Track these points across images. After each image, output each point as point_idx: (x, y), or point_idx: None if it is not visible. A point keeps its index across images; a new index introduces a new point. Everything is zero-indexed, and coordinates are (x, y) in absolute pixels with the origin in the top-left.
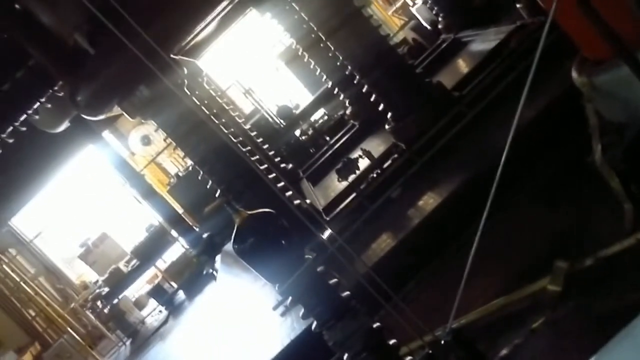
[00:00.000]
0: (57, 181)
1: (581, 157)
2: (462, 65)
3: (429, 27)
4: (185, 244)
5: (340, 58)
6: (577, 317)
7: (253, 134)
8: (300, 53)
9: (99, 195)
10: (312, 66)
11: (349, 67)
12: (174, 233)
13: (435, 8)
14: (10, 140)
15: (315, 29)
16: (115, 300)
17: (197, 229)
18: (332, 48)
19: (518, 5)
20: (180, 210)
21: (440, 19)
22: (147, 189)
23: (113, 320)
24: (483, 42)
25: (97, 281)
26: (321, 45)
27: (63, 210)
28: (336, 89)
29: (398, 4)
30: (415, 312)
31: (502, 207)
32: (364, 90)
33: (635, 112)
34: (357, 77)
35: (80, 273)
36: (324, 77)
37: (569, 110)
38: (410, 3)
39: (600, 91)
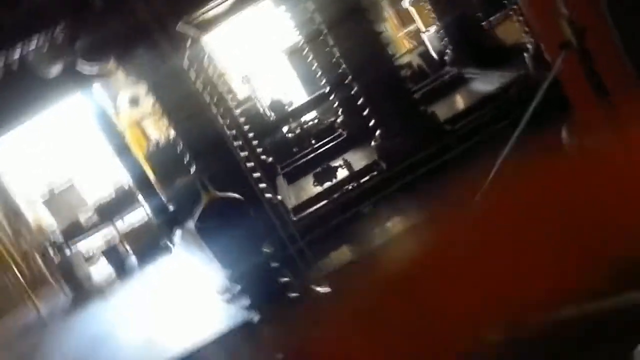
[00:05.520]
0: (36, 122)
1: None
2: (460, 101)
3: (435, 57)
4: (149, 212)
5: (345, 66)
6: None
7: (241, 120)
8: (304, 53)
9: (75, 144)
10: (314, 67)
11: (350, 76)
12: (140, 198)
13: (446, 39)
14: None
15: (325, 31)
16: (67, 252)
17: (164, 200)
18: (338, 54)
19: (525, 55)
20: (152, 178)
21: (448, 51)
22: (123, 147)
23: (60, 270)
24: (484, 83)
25: (54, 229)
26: (326, 49)
27: (36, 152)
28: (332, 96)
29: (411, 27)
30: None
31: None
32: (358, 102)
33: None
34: (355, 87)
35: (39, 217)
36: (323, 81)
37: None
38: (423, 29)
39: None
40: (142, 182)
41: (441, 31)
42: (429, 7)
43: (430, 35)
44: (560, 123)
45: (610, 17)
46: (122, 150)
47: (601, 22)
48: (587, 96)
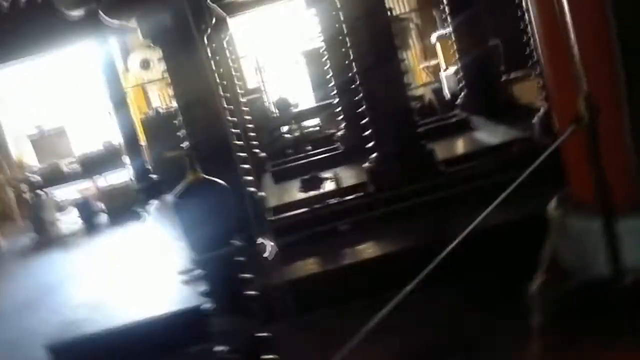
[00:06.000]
0: (43, 60)
1: (522, 281)
2: (460, 146)
3: (448, 96)
4: (131, 175)
5: (357, 83)
6: None
7: (245, 109)
8: (322, 59)
9: (76, 92)
10: (328, 76)
11: (361, 94)
12: (126, 160)
13: (463, 83)
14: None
15: (348, 44)
16: (41, 194)
17: (149, 167)
18: (355, 69)
19: (535, 118)
20: (143, 143)
21: (462, 94)
22: (123, 105)
23: (30, 211)
24: (489, 134)
25: (35, 168)
26: (344, 62)
27: (36, 90)
28: (338, 108)
29: (432, 62)
30: (306, 340)
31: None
32: (362, 121)
33: (587, 267)
34: (363, 105)
35: (23, 153)
36: (334, 91)
37: (531, 234)
38: (443, 67)
39: (567, 232)
40: (132, 145)
41: (460, 73)
42: (455, 46)
43: (448, 74)
44: (551, 191)
45: (628, 104)
46: (121, 108)
47: (617, 107)
48: (584, 174)
